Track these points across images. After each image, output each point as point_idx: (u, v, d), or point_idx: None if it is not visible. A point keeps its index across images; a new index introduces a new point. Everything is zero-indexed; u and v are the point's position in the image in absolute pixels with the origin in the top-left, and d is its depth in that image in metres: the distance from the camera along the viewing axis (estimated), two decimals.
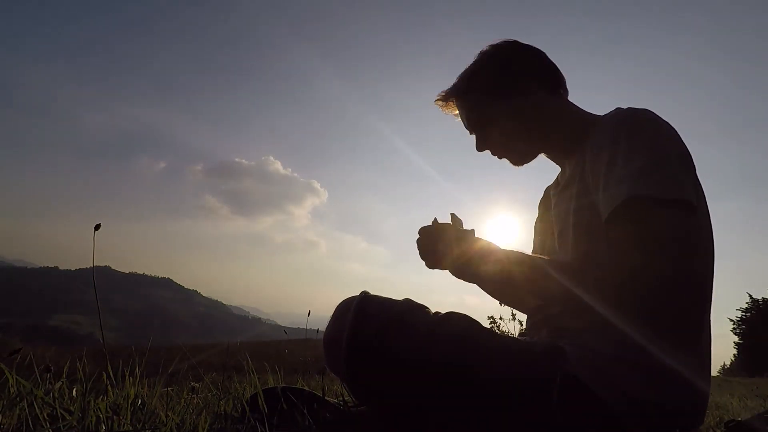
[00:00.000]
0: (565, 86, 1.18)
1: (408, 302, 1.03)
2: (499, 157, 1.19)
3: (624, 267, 0.89)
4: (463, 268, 1.07)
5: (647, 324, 0.91)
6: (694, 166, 0.97)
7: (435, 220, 1.12)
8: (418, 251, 1.11)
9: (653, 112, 0.97)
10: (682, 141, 0.98)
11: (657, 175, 0.90)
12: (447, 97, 1.22)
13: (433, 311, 1.03)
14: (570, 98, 1.18)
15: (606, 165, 0.95)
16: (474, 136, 1.21)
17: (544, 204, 1.29)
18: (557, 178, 1.22)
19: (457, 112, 1.24)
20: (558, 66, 1.17)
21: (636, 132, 0.94)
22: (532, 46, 1.17)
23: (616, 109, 1.02)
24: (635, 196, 0.89)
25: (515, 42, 1.18)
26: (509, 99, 1.13)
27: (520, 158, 1.19)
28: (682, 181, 0.91)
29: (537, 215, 1.32)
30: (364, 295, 1.03)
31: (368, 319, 0.97)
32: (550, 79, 1.16)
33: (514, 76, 1.14)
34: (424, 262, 1.10)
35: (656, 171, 0.90)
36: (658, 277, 0.87)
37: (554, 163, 1.22)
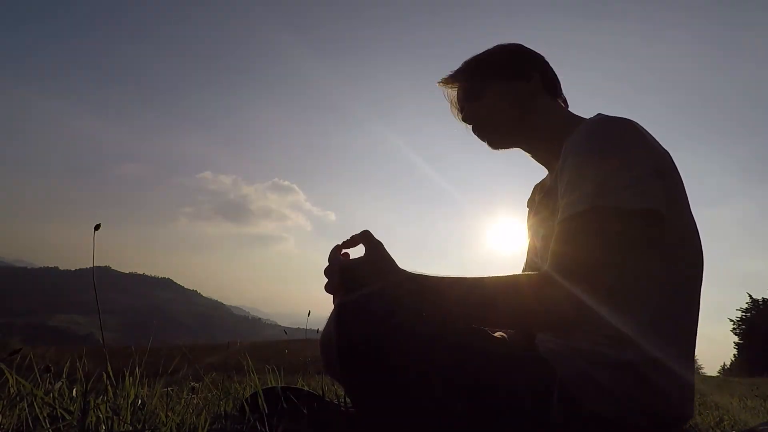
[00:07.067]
0: (561, 93, 1.22)
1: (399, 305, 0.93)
2: (480, 136, 1.22)
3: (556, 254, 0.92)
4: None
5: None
6: (673, 175, 0.97)
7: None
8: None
9: (628, 122, 0.97)
10: (655, 151, 0.96)
11: (621, 185, 0.90)
12: (453, 77, 1.24)
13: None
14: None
15: (570, 173, 0.95)
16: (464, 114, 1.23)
17: (530, 204, 1.29)
18: (545, 178, 1.24)
19: (455, 94, 1.25)
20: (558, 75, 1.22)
21: (603, 142, 0.94)
22: (537, 52, 1.23)
23: (597, 115, 1.02)
24: (595, 207, 0.89)
25: (522, 45, 1.24)
26: (510, 80, 1.18)
27: (498, 140, 1.21)
28: (644, 191, 0.90)
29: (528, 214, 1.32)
30: (347, 298, 0.92)
31: (352, 322, 0.88)
32: (550, 79, 1.21)
33: (521, 62, 1.19)
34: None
35: (619, 181, 0.90)
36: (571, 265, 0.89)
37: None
